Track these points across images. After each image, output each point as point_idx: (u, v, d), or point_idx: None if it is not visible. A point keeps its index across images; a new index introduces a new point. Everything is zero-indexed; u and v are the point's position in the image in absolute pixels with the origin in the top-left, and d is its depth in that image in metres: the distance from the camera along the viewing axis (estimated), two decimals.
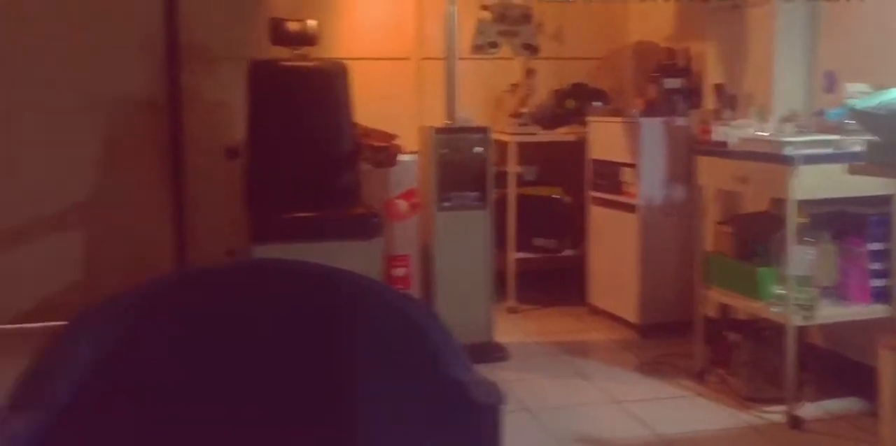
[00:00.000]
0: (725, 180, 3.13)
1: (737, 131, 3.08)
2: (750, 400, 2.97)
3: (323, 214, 3.55)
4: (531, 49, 4.18)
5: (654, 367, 3.38)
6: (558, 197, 4.36)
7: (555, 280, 4.48)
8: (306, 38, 3.89)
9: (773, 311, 2.86)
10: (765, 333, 3.04)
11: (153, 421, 1.15)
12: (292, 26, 3.88)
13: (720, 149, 3.11)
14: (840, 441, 2.66)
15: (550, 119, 4.35)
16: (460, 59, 3.75)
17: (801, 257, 2.78)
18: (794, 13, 3.25)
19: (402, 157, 3.90)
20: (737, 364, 3.08)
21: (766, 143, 2.89)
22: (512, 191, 4.20)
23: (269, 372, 1.20)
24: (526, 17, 4.16)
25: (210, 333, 1.13)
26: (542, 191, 4.38)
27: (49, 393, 1.04)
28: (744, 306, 3.08)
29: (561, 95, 4.45)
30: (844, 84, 2.88)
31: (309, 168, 3.76)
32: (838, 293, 2.89)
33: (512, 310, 4.22)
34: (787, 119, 3.16)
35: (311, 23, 3.90)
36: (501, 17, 4.13)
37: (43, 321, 4.09)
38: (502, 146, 4.16)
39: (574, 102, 4.38)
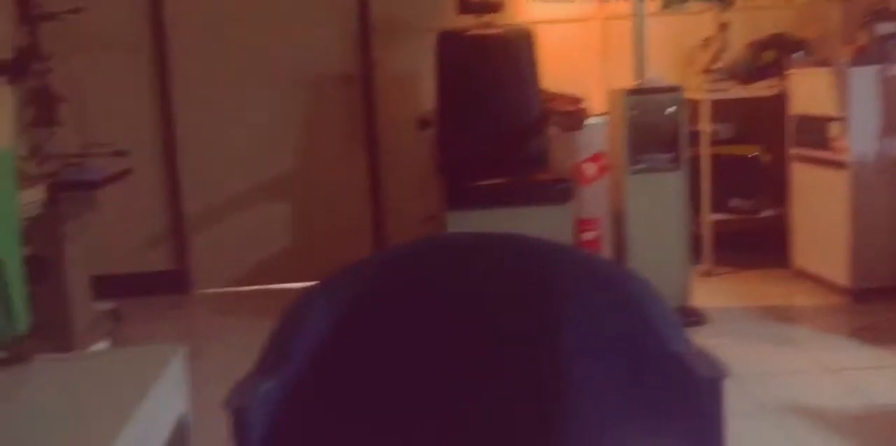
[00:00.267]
0: None
1: None
2: None
3: (513, 180, 3.59)
4: (725, 0, 3.98)
5: (872, 334, 3.17)
6: (756, 155, 4.16)
7: (753, 242, 4.29)
8: (491, 6, 3.91)
9: None
10: None
11: (378, 386, 1.22)
12: None
13: None
14: None
15: (746, 74, 4.14)
16: (648, 16, 3.63)
17: None
18: None
19: (590, 121, 3.85)
20: None
21: None
22: (706, 151, 4.05)
23: (482, 344, 1.24)
24: None
25: (429, 304, 1.19)
26: (739, 149, 4.19)
27: (289, 356, 1.13)
28: None
29: (758, 48, 4.21)
30: None
31: (498, 135, 3.80)
32: None
33: (708, 274, 4.10)
34: None
35: None
36: None
37: (256, 285, 4.43)
38: (695, 104, 4.01)
39: (773, 54, 4.13)
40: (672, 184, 3.49)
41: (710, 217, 4.09)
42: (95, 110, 4.00)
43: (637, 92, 3.54)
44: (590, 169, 3.96)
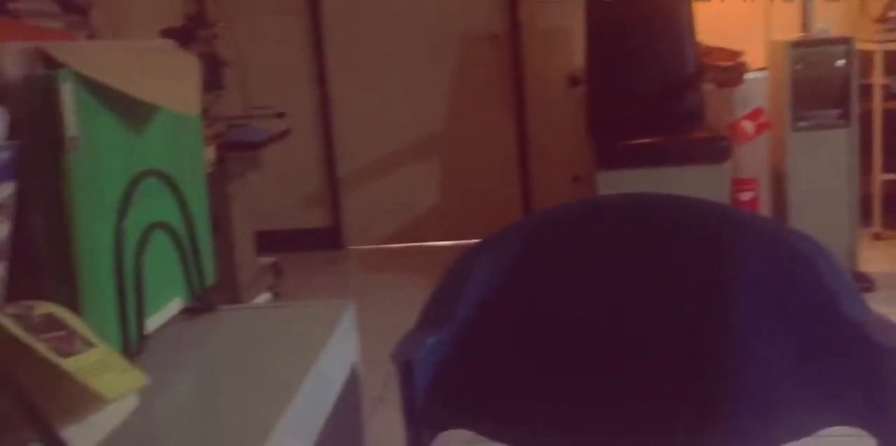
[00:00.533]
0: None
1: None
2: None
3: (667, 139, 3.48)
4: None
5: None
6: None
7: None
8: None
9: None
10: None
11: (539, 345, 1.24)
12: None
13: None
14: None
15: None
16: None
17: None
18: None
19: (749, 75, 3.67)
20: None
21: None
22: (878, 107, 3.78)
23: (646, 306, 1.23)
24: None
25: (590, 265, 1.19)
26: None
27: (453, 313, 1.16)
28: None
29: None
30: None
31: (651, 92, 3.68)
32: None
33: (878, 237, 3.85)
34: None
35: None
36: None
37: (405, 242, 4.55)
38: (867, 56, 3.74)
39: None
40: (840, 142, 3.29)
41: (881, 177, 3.84)
42: (256, 74, 4.18)
43: (802, 44, 3.34)
44: (748, 126, 3.79)
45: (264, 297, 3.44)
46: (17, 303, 0.56)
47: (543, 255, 1.15)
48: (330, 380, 0.83)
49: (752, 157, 3.76)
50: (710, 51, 3.84)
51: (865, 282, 3.26)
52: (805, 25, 3.38)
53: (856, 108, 3.29)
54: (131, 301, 0.71)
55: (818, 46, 3.30)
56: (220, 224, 2.91)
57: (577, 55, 4.01)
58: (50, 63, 0.63)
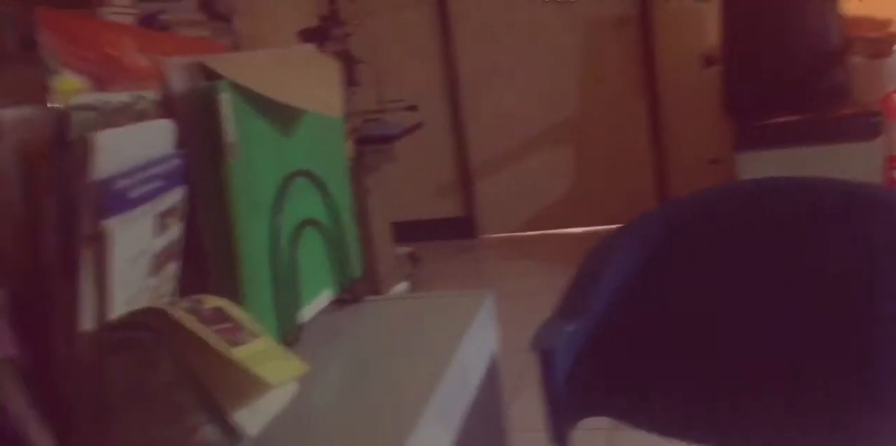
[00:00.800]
0: None
1: None
2: None
3: (811, 117, 3.33)
4: None
5: None
6: None
7: None
8: None
9: None
10: None
11: (679, 331, 1.23)
12: None
13: None
14: None
15: None
16: None
17: None
18: None
19: None
20: None
21: None
22: None
23: (790, 297, 1.19)
24: None
25: (732, 253, 1.16)
26: None
27: (592, 301, 1.17)
28: None
29: None
30: None
31: (792, 68, 3.52)
32: None
33: None
34: None
35: None
36: None
37: (538, 230, 4.55)
38: None
39: None
40: None
41: None
42: (388, 68, 4.28)
43: None
44: None
45: (402, 286, 3.54)
46: (188, 297, 0.62)
47: (683, 243, 1.14)
48: (471, 369, 0.86)
49: None
50: (856, 21, 3.63)
51: None
52: None
53: None
54: (287, 293, 0.76)
55: None
56: (359, 216, 3.01)
57: (710, 34, 3.89)
58: (209, 75, 0.68)
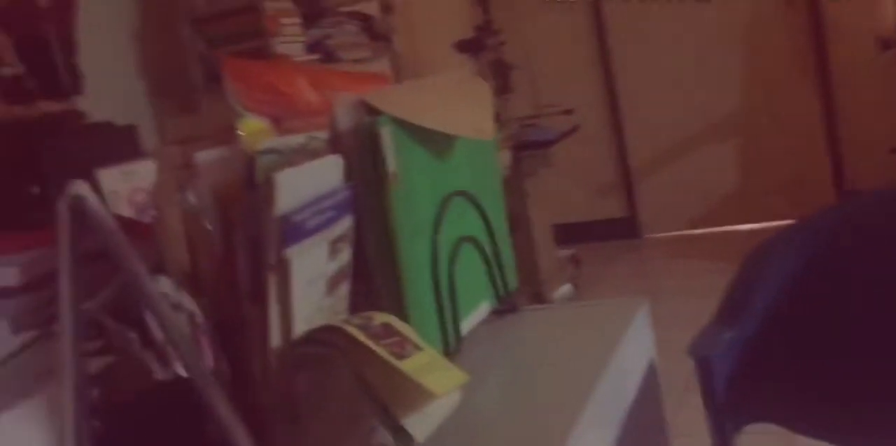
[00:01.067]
0: None
1: None
2: None
3: None
4: None
5: None
6: None
7: None
8: None
9: None
10: None
11: (841, 338, 1.19)
12: None
13: None
14: None
15: None
16: None
17: None
18: None
19: None
20: None
21: None
22: None
23: None
24: None
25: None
26: None
27: (751, 306, 1.15)
28: None
29: None
30: None
31: None
32: None
33: None
34: None
35: None
36: None
37: (705, 228, 4.43)
38: None
39: None
40: None
41: None
42: (542, 74, 4.31)
43: None
44: None
45: (565, 289, 3.55)
46: (359, 314, 0.68)
47: (851, 246, 1.10)
48: (627, 375, 0.88)
49: None
50: None
51: None
52: None
53: None
54: (447, 307, 0.82)
55: None
56: (519, 222, 3.06)
57: (888, 15, 3.65)
58: (371, 110, 0.75)
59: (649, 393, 0.95)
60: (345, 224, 0.70)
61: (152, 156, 0.81)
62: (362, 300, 0.73)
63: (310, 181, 0.66)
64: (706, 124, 4.39)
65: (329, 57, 2.87)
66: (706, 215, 4.45)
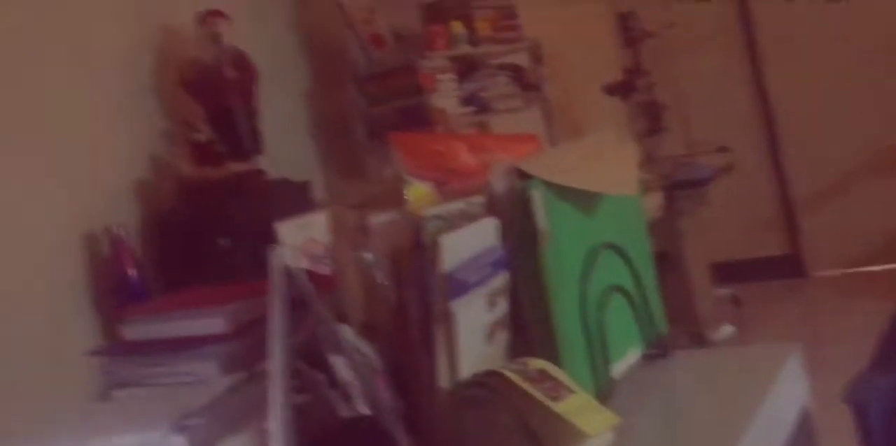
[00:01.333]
0: None
1: None
2: None
3: None
4: None
5: None
6: None
7: None
8: None
9: None
10: None
11: None
12: None
13: None
14: None
15: None
16: None
17: None
18: None
19: None
20: None
21: None
22: None
23: None
24: None
25: None
26: None
27: None
28: None
29: None
30: None
31: None
32: None
33: None
34: None
35: None
36: None
37: (877, 265, 4.19)
38: None
39: None
40: None
41: None
42: (695, 112, 4.27)
43: None
44: None
45: (727, 330, 3.47)
46: (516, 360, 0.76)
47: None
48: (778, 422, 0.90)
49: None
50: None
51: None
52: None
53: None
54: (598, 353, 0.88)
55: None
56: (674, 261, 3.04)
57: None
58: (522, 174, 0.83)
59: (803, 439, 0.96)
60: (501, 279, 0.78)
61: (325, 214, 0.90)
62: (519, 347, 0.81)
63: (470, 241, 0.75)
64: (873, 153, 4.19)
65: (483, 108, 3.00)
66: (880, 251, 4.22)
